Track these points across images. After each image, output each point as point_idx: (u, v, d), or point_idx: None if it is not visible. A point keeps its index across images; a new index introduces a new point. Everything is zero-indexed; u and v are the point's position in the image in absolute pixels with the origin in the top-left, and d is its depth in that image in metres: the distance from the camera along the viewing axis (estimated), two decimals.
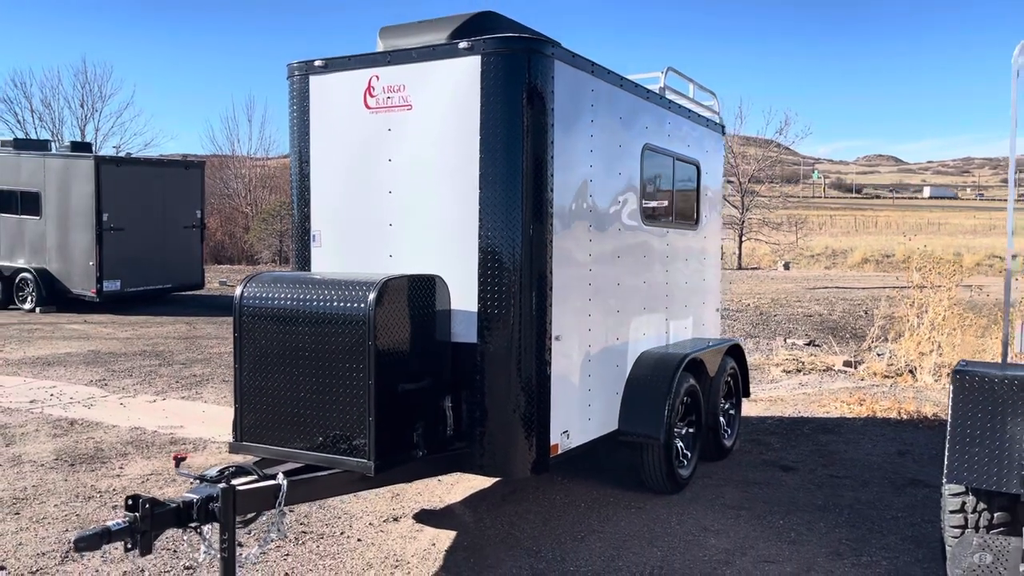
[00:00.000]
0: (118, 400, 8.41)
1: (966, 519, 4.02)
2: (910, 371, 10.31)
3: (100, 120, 37.23)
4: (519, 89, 4.46)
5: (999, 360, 5.44)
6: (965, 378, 4.07)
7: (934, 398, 8.87)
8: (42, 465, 6.13)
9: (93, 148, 20.00)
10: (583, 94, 4.94)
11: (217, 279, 21.73)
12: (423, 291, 4.36)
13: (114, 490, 5.60)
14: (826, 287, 22.88)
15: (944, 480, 4.04)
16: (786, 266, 31.26)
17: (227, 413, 7.88)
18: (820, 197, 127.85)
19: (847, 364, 10.76)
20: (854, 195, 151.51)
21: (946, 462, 3.99)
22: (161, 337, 12.60)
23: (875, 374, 10.21)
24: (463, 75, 4.54)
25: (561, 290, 4.70)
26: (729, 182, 33.68)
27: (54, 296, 15.41)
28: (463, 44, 4.52)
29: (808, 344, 12.67)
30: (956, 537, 4.05)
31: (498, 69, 4.46)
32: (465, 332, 4.56)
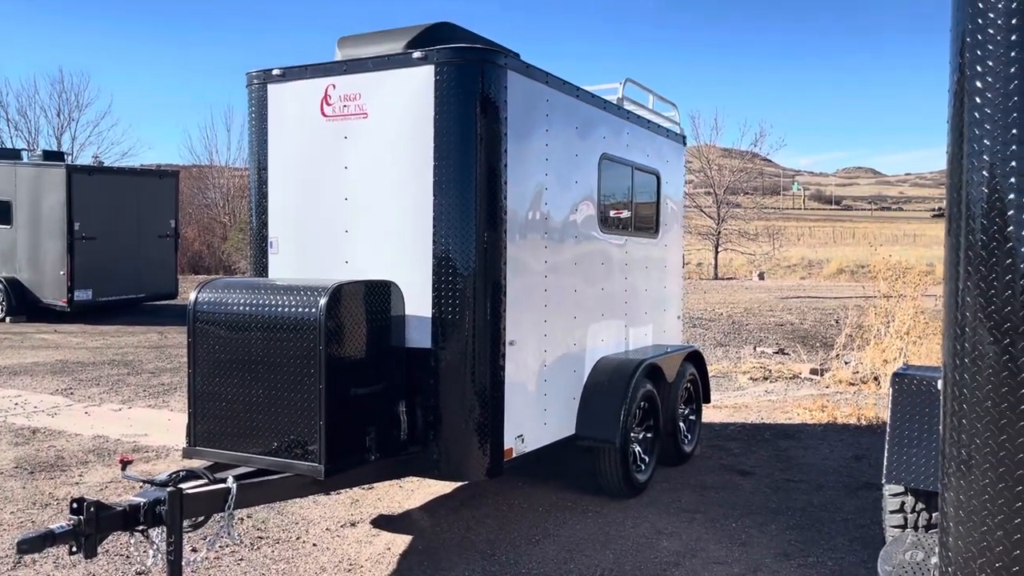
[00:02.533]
0: (83, 409, 8.37)
1: (905, 519, 4.11)
2: (875, 378, 10.45)
3: (77, 129, 37.07)
4: (472, 98, 4.54)
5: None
6: (904, 381, 4.18)
7: None
8: (1, 473, 6.10)
9: (69, 158, 19.91)
10: (537, 104, 5.03)
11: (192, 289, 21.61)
12: (377, 297, 4.41)
13: (72, 498, 5.58)
14: (799, 297, 23.12)
15: (884, 481, 4.14)
16: (761, 276, 31.53)
17: None
18: (800, 208, 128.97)
19: (813, 372, 10.89)
20: (833, 207, 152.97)
21: (885, 463, 4.09)
22: (131, 346, 12.55)
23: (840, 382, 10.35)
24: (417, 84, 4.61)
25: (516, 296, 4.77)
26: (707, 194, 34.00)
27: (24, 305, 15.28)
28: (417, 54, 4.60)
29: (777, 352, 12.81)
30: (894, 537, 4.14)
31: (451, 78, 4.54)
32: (420, 337, 4.62)
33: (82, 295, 14.96)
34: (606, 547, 4.82)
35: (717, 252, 32.26)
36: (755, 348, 13.25)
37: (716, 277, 31.52)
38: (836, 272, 33.05)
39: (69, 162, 16.45)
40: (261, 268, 5.18)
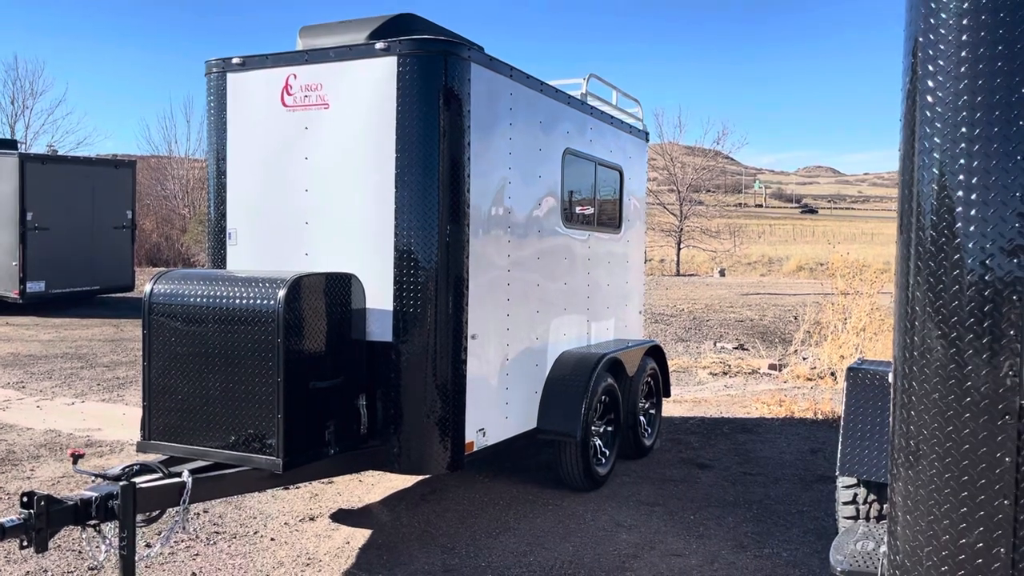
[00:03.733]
0: (35, 402, 8.19)
1: (858, 510, 4.19)
2: (831, 374, 10.64)
3: (31, 118, 36.13)
4: (435, 90, 4.52)
5: None
6: (858, 376, 4.26)
7: None
8: None
9: (22, 146, 19.42)
10: (501, 97, 5.02)
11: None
12: (337, 289, 4.38)
13: (23, 491, 5.46)
14: (759, 293, 23.43)
15: (837, 473, 4.21)
16: (722, 273, 31.90)
17: None
18: (761, 206, 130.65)
19: (772, 367, 11.05)
20: (794, 205, 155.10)
21: (839, 455, 4.16)
22: (85, 339, 12.29)
23: (798, 377, 10.52)
24: (380, 75, 4.58)
25: (478, 290, 4.77)
26: (670, 191, 34.27)
27: None
28: (380, 45, 4.56)
29: (737, 348, 12.98)
30: (846, 528, 4.22)
31: (414, 70, 4.51)
32: (380, 331, 4.59)
33: (35, 287, 14.62)
34: (566, 540, 4.84)
35: (679, 249, 32.55)
36: (715, 344, 13.40)
37: (678, 273, 31.81)
38: (796, 269, 33.55)
39: (22, 150, 16.04)
40: (219, 260, 5.11)
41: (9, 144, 16.57)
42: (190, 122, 47.37)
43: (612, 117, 6.76)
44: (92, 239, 15.52)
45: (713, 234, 33.23)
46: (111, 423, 7.44)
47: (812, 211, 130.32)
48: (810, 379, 10.44)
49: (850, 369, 4.31)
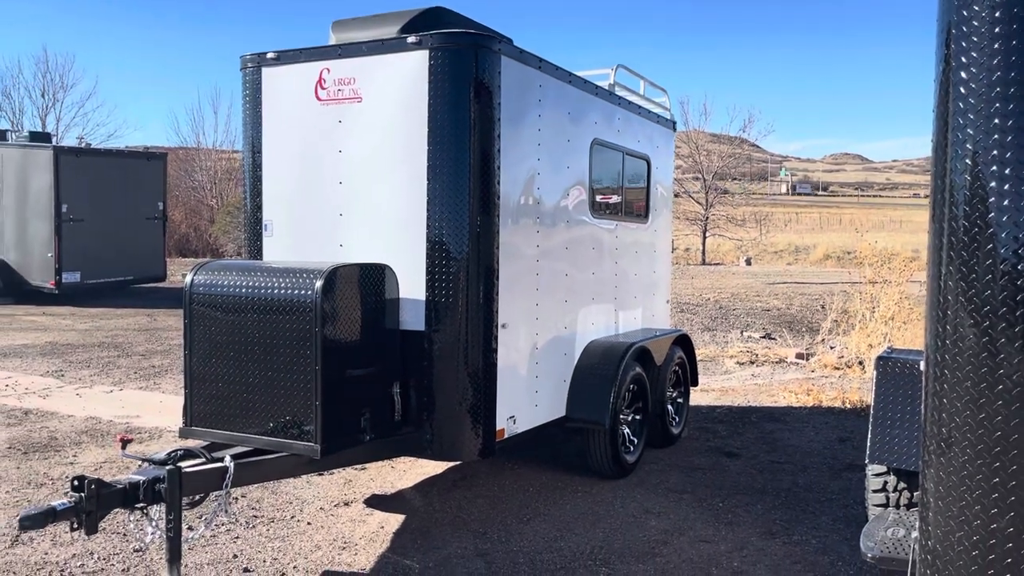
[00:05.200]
0: (74, 390, 8.39)
1: (887, 497, 4.22)
2: (859, 363, 10.60)
3: (61, 110, 36.74)
4: (466, 83, 4.58)
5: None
6: (888, 364, 4.28)
7: None
8: None
9: (54, 139, 19.78)
10: (530, 89, 5.07)
11: (180, 272, 21.53)
12: (371, 279, 4.46)
13: (66, 477, 5.63)
14: (786, 282, 23.29)
15: (867, 461, 4.25)
16: (748, 262, 31.70)
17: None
18: (787, 194, 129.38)
19: (799, 356, 11.03)
20: (820, 193, 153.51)
21: (869, 444, 4.19)
22: (121, 329, 12.54)
23: (826, 366, 10.49)
24: (412, 69, 4.65)
25: (508, 280, 4.83)
26: (695, 179, 34.07)
27: (12, 288, 15.22)
28: (412, 39, 4.63)
29: (764, 337, 12.95)
30: (876, 515, 4.25)
31: (445, 63, 4.58)
32: (413, 320, 4.68)
33: (70, 277, 14.92)
34: (595, 526, 4.92)
35: (705, 237, 32.38)
36: (742, 333, 13.38)
37: (704, 262, 31.67)
38: (823, 258, 33.26)
39: (55, 143, 16.34)
40: (256, 251, 5.22)
41: (43, 137, 16.87)
42: (217, 114, 47.88)
43: (639, 107, 6.79)
44: (125, 230, 15.79)
45: (739, 222, 32.99)
46: (149, 410, 7.62)
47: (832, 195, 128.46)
48: (838, 368, 10.41)
49: (879, 358, 4.33)
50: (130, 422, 7.18)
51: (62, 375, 9.13)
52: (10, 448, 6.28)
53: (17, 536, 4.55)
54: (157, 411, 7.61)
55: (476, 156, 4.61)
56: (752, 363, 10.70)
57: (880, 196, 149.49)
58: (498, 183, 4.72)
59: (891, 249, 15.58)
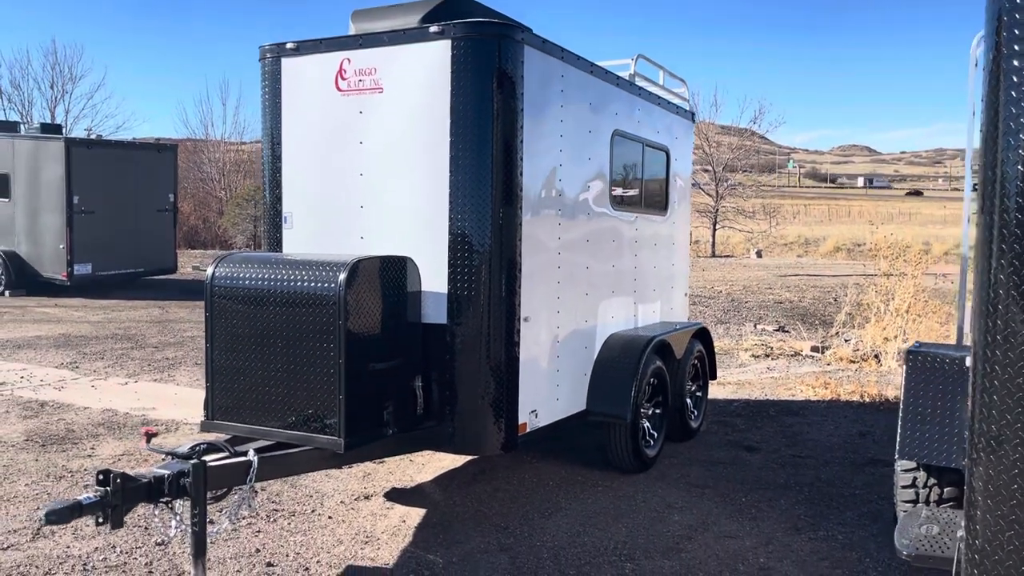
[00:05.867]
0: (89, 382, 8.39)
1: (917, 494, 4.17)
2: (875, 356, 10.53)
3: (70, 102, 36.66)
4: (489, 74, 4.53)
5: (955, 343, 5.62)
6: (918, 358, 4.22)
7: (896, 382, 9.07)
8: (12, 446, 6.13)
9: (63, 130, 19.78)
10: (553, 80, 5.01)
11: (190, 264, 21.57)
12: (394, 272, 4.42)
13: (85, 470, 5.63)
14: (797, 274, 23.19)
15: (897, 456, 4.19)
16: (759, 254, 31.59)
17: (200, 395, 7.87)
18: (795, 186, 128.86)
19: (815, 349, 10.96)
20: (828, 185, 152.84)
21: (899, 439, 4.13)
22: (133, 321, 12.54)
23: (841, 359, 10.42)
24: (433, 59, 4.59)
25: (530, 272, 4.79)
26: (705, 171, 33.94)
27: (24, 279, 15.24)
28: (433, 28, 4.57)
29: (777, 330, 12.88)
30: (907, 511, 4.20)
31: (468, 54, 4.52)
32: (435, 313, 4.64)
33: (82, 269, 14.93)
34: (618, 520, 4.88)
35: (715, 229, 32.27)
36: (755, 325, 13.31)
37: (714, 255, 31.56)
38: (833, 250, 33.14)
39: (65, 135, 16.33)
40: (275, 243, 5.19)
41: (55, 129, 16.88)
42: (226, 105, 47.91)
43: (659, 98, 6.72)
44: (136, 222, 15.79)
45: (749, 214, 32.87)
46: (164, 403, 7.61)
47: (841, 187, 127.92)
48: (853, 361, 10.34)
49: (910, 352, 4.27)
50: (146, 415, 7.16)
51: (76, 367, 9.13)
52: (28, 440, 6.28)
53: (38, 529, 4.54)
54: (172, 403, 7.60)
55: (499, 148, 4.55)
56: (767, 356, 10.64)
57: (891, 187, 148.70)
58: (520, 175, 4.67)
59: (904, 241, 15.46)
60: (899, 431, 4.14)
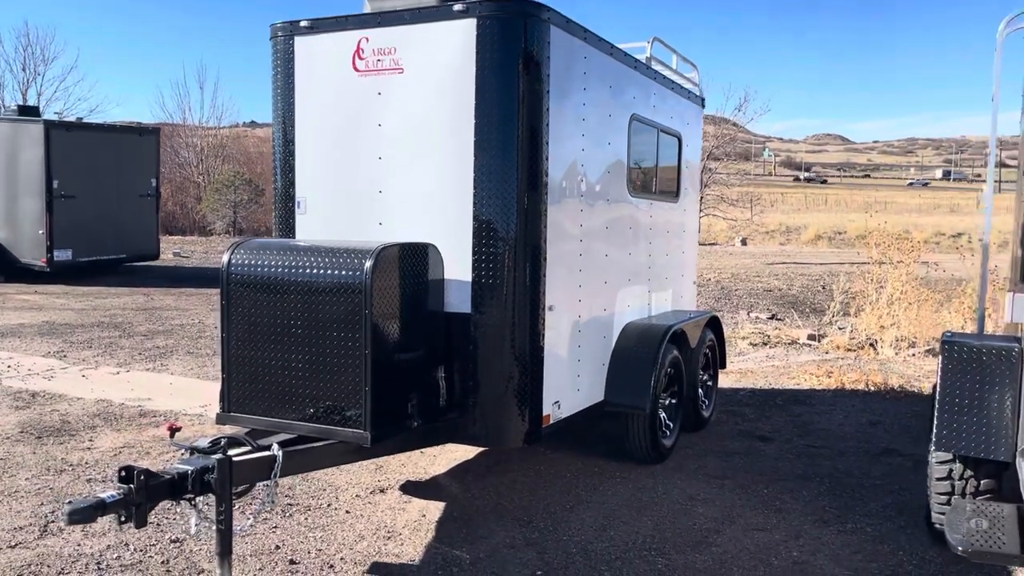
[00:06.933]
0: (79, 372, 8.15)
1: (953, 486, 4.11)
2: (871, 344, 10.54)
3: (42, 84, 35.78)
4: (515, 54, 4.38)
5: (974, 332, 5.57)
6: (955, 348, 4.14)
7: (898, 370, 9.08)
8: (7, 438, 5.91)
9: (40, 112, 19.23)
10: (576, 61, 4.87)
11: (170, 250, 21.18)
12: (418, 260, 4.27)
13: (86, 463, 5.44)
14: (784, 262, 23.28)
15: (932, 448, 4.13)
16: (743, 242, 31.71)
17: (196, 385, 7.71)
18: (771, 175, 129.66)
19: (811, 337, 10.95)
20: (804, 174, 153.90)
21: (935, 431, 4.07)
22: (118, 308, 12.25)
23: (838, 347, 10.42)
24: (457, 38, 4.43)
25: (555, 260, 4.66)
26: None
27: (2, 266, 14.81)
28: (458, 6, 4.41)
29: (771, 318, 12.87)
30: (942, 504, 4.14)
31: (494, 33, 4.36)
32: (459, 302, 4.50)
33: (62, 255, 14.57)
34: (642, 513, 4.79)
35: (699, 217, 32.30)
36: (748, 313, 13.29)
37: (699, 243, 31.62)
38: (814, 238, 33.34)
39: (47, 117, 15.90)
40: (287, 229, 5.01)
41: (33, 111, 16.42)
42: (203, 89, 47.17)
43: (673, 82, 6.60)
44: (118, 207, 15.43)
45: (733, 202, 32.92)
46: (160, 392, 7.40)
47: (822, 181, 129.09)
48: (850, 350, 10.34)
49: (946, 342, 4.19)
50: (143, 405, 6.96)
51: (64, 356, 8.87)
52: (22, 432, 6.06)
53: (46, 526, 4.36)
54: (168, 394, 7.40)
55: (525, 131, 4.41)
56: (765, 344, 10.61)
57: (870, 177, 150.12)
58: (546, 159, 4.53)
59: (896, 231, 15.51)
60: (935, 422, 4.07)
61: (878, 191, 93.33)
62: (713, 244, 31.73)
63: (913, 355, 10.05)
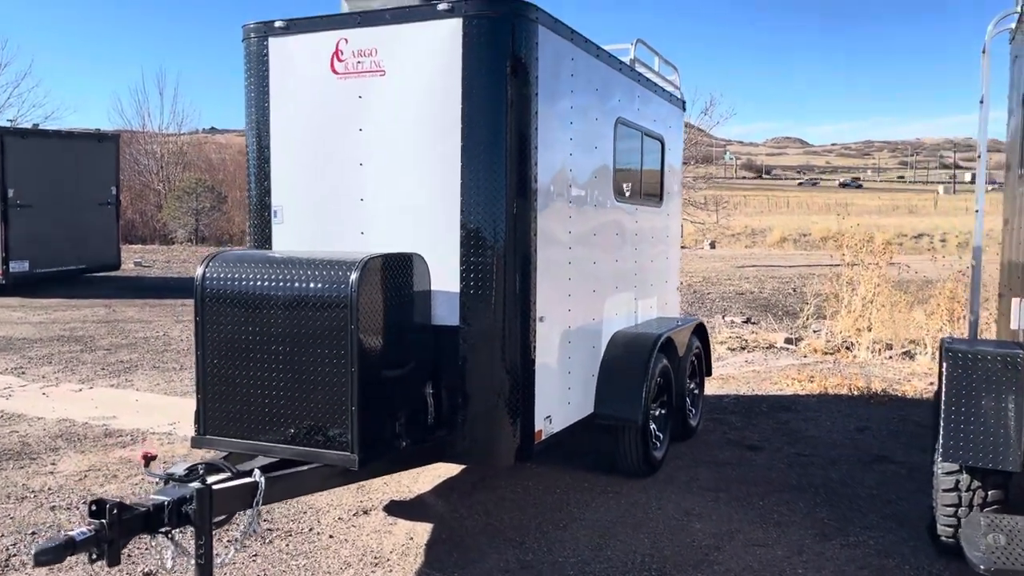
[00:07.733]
0: (39, 389, 7.79)
1: (960, 497, 4.01)
2: (847, 347, 10.54)
3: None
4: (503, 55, 4.20)
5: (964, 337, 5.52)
6: (959, 355, 4.04)
7: (878, 374, 9.06)
8: None
9: None
10: (564, 63, 4.71)
11: (131, 260, 20.61)
12: (404, 271, 4.07)
13: (49, 489, 5.13)
14: (754, 265, 23.39)
15: (939, 459, 4.02)
16: (712, 245, 31.86)
17: (163, 401, 7.39)
18: (732, 178, 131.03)
19: (788, 341, 10.92)
20: (764, 176, 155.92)
21: (941, 441, 3.96)
22: (79, 321, 11.81)
23: (815, 351, 10.39)
24: (442, 39, 4.24)
25: (545, 269, 4.49)
26: None
27: None
28: (442, 6, 4.22)
29: (746, 322, 12.84)
30: (949, 515, 4.03)
31: (481, 34, 4.18)
32: (446, 315, 4.30)
33: (18, 266, 14.06)
34: (638, 530, 4.62)
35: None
36: (723, 317, 13.25)
37: None
38: (780, 240, 33.63)
39: (0, 124, 15.35)
40: (263, 239, 4.76)
41: None
42: (163, 95, 46.27)
43: (656, 85, 6.47)
44: (77, 216, 14.95)
45: (700, 205, 33.06)
46: (125, 410, 7.08)
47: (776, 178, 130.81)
48: (828, 353, 10.32)
49: (948, 349, 4.09)
50: (107, 424, 6.64)
51: (23, 372, 8.48)
52: None
53: (7, 560, 4.07)
54: (134, 411, 7.08)
55: (513, 136, 4.23)
56: (743, 349, 10.55)
57: (822, 177, 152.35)
58: (535, 164, 4.36)
59: (867, 232, 15.61)
60: (941, 432, 3.96)
61: (837, 193, 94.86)
62: (683, 248, 31.85)
63: (890, 358, 10.05)
